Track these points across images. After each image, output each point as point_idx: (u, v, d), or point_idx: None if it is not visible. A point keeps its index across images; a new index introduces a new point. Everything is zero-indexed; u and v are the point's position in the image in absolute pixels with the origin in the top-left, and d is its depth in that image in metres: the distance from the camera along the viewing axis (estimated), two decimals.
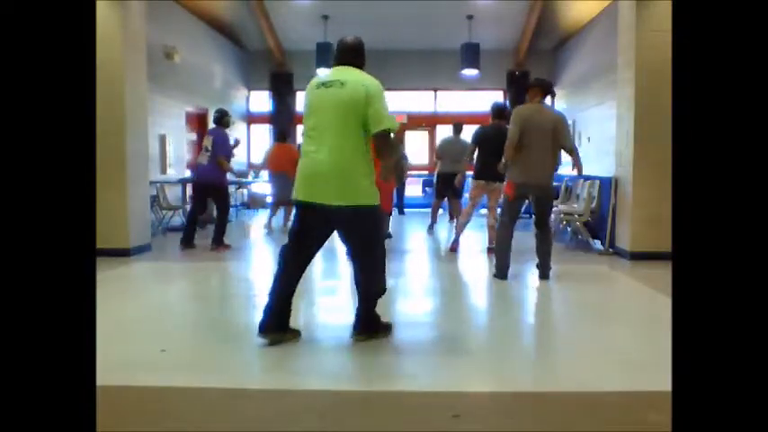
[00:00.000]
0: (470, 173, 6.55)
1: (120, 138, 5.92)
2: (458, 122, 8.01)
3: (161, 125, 8.50)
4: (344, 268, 5.90)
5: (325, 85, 3.05)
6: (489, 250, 6.43)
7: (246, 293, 4.72)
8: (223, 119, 6.84)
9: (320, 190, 2.98)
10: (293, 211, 3.21)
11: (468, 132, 8.02)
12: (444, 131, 8.04)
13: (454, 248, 6.48)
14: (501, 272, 4.96)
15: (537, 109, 4.80)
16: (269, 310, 3.10)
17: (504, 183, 5.04)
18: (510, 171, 4.88)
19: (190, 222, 6.81)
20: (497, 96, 12.37)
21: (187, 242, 6.68)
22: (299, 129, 13.07)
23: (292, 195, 3.12)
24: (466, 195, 10.39)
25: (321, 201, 2.98)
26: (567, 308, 4.31)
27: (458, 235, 6.56)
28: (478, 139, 6.22)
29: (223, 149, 6.64)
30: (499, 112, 6.29)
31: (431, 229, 8.19)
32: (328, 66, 11.13)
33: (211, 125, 7.08)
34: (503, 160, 4.90)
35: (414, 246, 7.36)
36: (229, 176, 7.19)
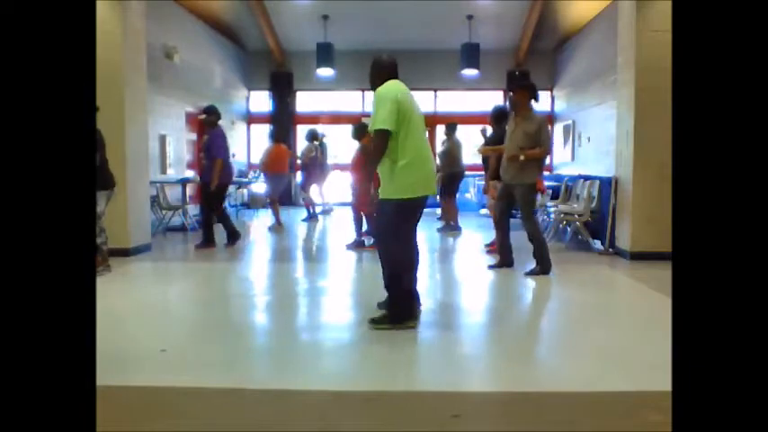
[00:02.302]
0: (473, 173, 6.66)
1: (120, 138, 5.91)
2: (451, 123, 7.99)
3: (161, 125, 8.51)
4: (340, 269, 5.90)
5: (410, 95, 3.52)
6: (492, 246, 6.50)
7: (247, 293, 4.72)
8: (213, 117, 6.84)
9: (433, 183, 3.57)
10: (398, 208, 3.43)
11: (460, 132, 8.06)
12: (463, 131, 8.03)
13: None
14: (550, 266, 5.18)
15: None
16: (417, 298, 3.61)
17: (527, 183, 5.15)
18: (538, 171, 5.17)
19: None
20: (497, 96, 12.37)
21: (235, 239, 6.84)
22: (300, 129, 13.10)
23: (414, 193, 3.43)
24: (466, 195, 10.42)
25: (432, 192, 3.55)
26: (567, 308, 4.31)
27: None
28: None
29: None
30: (504, 116, 6.41)
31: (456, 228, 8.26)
32: (328, 66, 11.15)
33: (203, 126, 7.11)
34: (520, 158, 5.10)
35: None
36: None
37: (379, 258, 3.56)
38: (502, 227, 5.38)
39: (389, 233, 3.48)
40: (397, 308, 3.48)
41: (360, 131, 6.71)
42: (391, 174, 3.38)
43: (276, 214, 8.62)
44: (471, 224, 8.98)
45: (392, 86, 3.44)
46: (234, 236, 6.79)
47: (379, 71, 3.55)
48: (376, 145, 3.36)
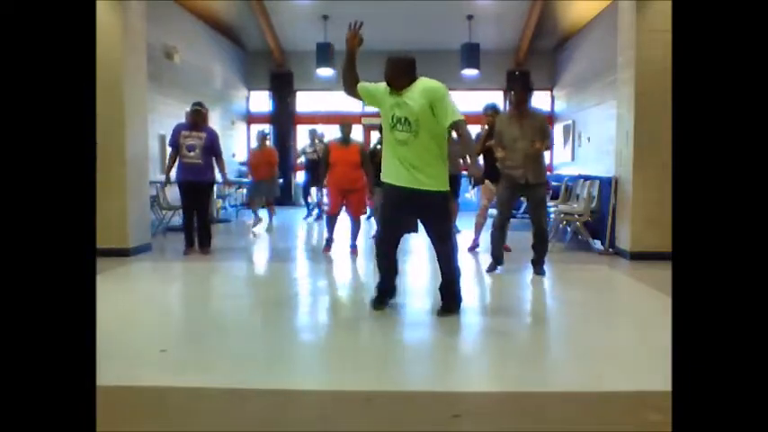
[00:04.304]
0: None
1: (120, 138, 5.91)
2: None
3: (161, 125, 8.49)
4: (338, 269, 5.89)
5: None
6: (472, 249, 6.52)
7: (247, 293, 4.72)
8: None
9: None
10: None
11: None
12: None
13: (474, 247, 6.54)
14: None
15: None
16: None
17: (545, 180, 5.26)
18: None
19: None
20: (498, 96, 12.36)
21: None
22: (300, 129, 13.10)
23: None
24: (466, 195, 10.40)
25: None
26: (568, 308, 4.31)
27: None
28: None
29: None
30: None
31: None
32: (328, 66, 11.15)
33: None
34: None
35: (415, 247, 7.35)
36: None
37: (443, 252, 3.79)
38: (505, 229, 5.29)
39: (452, 224, 3.88)
40: (460, 293, 3.88)
41: (350, 130, 6.20)
42: (444, 167, 3.68)
43: (255, 213, 8.74)
44: (470, 224, 8.96)
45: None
46: (202, 241, 6.43)
47: (413, 69, 3.66)
48: (469, 132, 3.67)
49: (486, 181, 6.35)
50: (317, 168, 9.49)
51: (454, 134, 3.65)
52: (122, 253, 5.89)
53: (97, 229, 1.77)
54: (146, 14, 6.46)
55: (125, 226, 5.98)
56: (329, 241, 6.41)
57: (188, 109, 6.51)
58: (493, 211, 6.72)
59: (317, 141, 9.76)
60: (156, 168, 8.14)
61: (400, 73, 3.62)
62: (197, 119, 6.29)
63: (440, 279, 3.88)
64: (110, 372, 2.52)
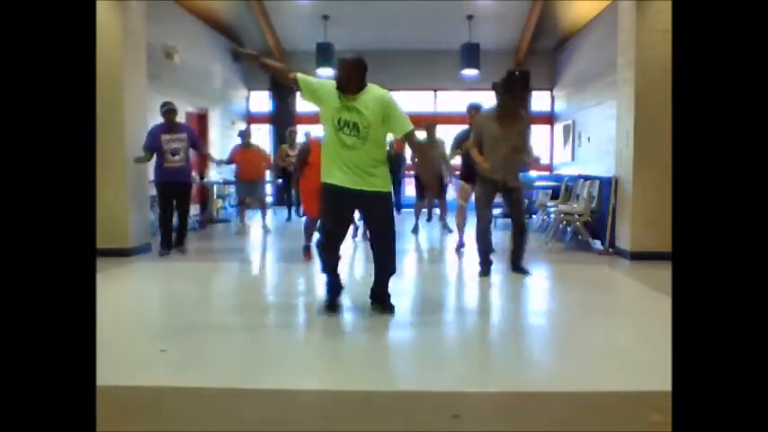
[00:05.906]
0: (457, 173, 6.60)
1: (120, 137, 5.91)
2: (431, 123, 7.95)
3: None
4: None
5: None
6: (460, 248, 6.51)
7: (246, 293, 4.72)
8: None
9: None
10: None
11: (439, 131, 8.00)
12: (443, 131, 8.12)
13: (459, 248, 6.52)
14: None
15: None
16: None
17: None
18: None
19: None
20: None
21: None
22: (300, 129, 13.18)
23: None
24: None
25: None
26: (567, 308, 4.31)
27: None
28: None
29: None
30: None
31: (416, 230, 8.21)
32: (328, 66, 11.14)
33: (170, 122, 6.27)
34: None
35: (407, 246, 7.35)
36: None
37: (385, 249, 3.80)
38: (488, 233, 5.16)
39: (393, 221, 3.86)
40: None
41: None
42: (386, 168, 3.74)
43: (241, 216, 8.63)
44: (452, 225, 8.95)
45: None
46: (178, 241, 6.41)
47: (365, 72, 3.60)
48: (418, 140, 3.96)
49: (461, 181, 6.34)
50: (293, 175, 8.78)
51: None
52: (122, 253, 5.89)
53: (97, 229, 1.77)
54: (146, 14, 6.46)
55: (125, 226, 5.98)
56: (307, 248, 5.94)
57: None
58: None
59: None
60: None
61: (355, 76, 3.55)
62: (173, 117, 6.18)
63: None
64: (110, 372, 2.52)
